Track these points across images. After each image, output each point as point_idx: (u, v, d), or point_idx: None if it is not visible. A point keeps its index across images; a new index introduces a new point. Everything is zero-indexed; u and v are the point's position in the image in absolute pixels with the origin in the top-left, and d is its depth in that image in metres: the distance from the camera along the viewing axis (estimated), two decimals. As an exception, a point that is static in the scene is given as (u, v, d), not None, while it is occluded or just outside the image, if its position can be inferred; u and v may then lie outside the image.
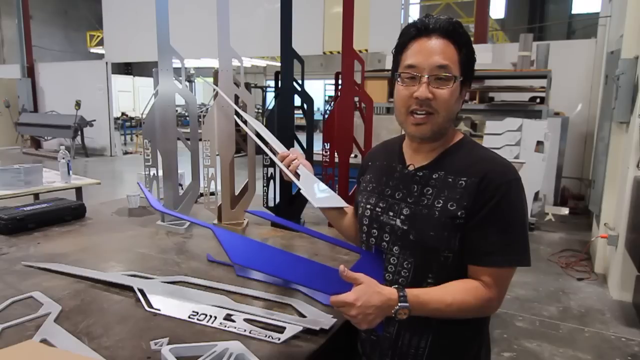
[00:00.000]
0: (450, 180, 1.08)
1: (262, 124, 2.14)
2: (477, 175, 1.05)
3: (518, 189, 1.06)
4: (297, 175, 1.39)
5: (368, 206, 1.21)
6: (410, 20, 1.15)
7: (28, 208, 2.11)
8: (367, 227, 1.21)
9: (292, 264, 1.12)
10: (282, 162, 1.43)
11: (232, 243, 1.09)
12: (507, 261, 1.05)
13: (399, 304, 0.99)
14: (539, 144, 5.45)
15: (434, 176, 1.11)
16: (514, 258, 1.06)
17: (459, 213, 1.05)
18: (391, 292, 1.01)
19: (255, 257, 1.10)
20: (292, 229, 1.40)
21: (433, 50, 1.06)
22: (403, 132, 1.21)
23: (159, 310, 1.27)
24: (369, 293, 0.99)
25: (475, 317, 1.10)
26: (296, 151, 1.48)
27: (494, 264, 1.05)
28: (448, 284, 1.06)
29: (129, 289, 1.39)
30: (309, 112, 2.17)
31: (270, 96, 13.51)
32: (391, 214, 1.15)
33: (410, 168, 1.16)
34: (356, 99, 2.16)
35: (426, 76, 1.05)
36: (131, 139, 15.00)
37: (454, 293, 1.04)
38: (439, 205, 1.07)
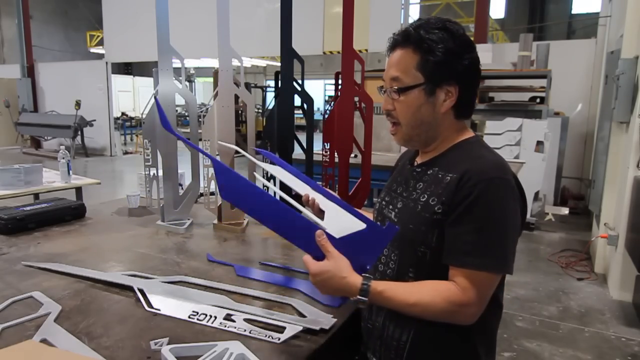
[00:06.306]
0: (440, 176, 1.10)
1: (262, 123, 2.12)
2: (459, 172, 1.05)
3: (499, 188, 1.00)
4: (322, 212, 1.24)
5: (379, 200, 1.29)
6: (410, 20, 1.17)
7: (28, 208, 2.11)
8: (375, 219, 1.28)
9: (280, 213, 1.07)
10: (306, 205, 1.26)
11: (226, 177, 1.08)
12: (482, 264, 0.98)
13: (357, 297, 1.01)
14: (539, 144, 5.46)
15: (428, 172, 1.14)
16: (489, 263, 0.99)
17: (436, 208, 1.05)
18: (355, 281, 1.01)
19: (245, 199, 1.09)
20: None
21: (390, 64, 1.12)
22: None
23: (159, 310, 1.26)
24: (331, 275, 1.01)
25: (448, 321, 1.02)
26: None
27: (467, 266, 0.99)
28: (420, 282, 1.05)
29: (129, 289, 1.39)
30: (309, 112, 2.17)
31: (270, 96, 13.50)
32: (390, 207, 1.21)
33: (415, 165, 1.21)
34: (356, 99, 2.16)
35: (387, 89, 1.13)
36: (131, 139, 15.00)
37: (421, 293, 1.01)
38: (423, 200, 1.09)
